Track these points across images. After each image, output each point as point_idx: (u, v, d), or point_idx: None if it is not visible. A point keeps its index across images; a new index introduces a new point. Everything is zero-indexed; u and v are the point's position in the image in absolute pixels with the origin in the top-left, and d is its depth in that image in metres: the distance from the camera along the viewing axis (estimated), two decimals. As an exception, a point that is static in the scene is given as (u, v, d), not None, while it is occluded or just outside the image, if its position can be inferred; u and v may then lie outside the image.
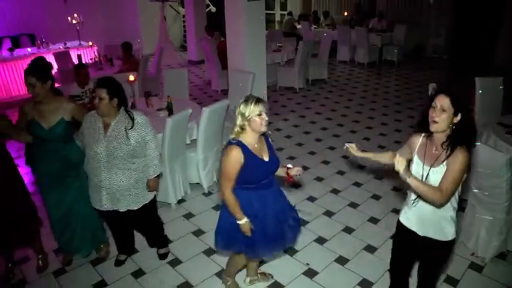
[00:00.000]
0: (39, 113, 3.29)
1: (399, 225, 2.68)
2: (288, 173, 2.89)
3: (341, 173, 5.32)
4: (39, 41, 10.28)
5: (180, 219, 4.46)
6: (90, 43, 10.39)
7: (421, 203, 2.48)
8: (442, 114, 2.29)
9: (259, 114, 2.62)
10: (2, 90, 9.27)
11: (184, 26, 14.00)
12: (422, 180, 2.36)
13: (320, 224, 4.30)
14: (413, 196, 2.52)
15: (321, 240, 3.99)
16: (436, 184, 2.32)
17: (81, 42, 10.46)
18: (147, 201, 3.42)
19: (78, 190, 3.48)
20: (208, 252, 3.91)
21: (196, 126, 4.75)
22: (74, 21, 10.19)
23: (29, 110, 3.32)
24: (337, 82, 9.80)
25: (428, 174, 2.39)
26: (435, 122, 2.31)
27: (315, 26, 12.94)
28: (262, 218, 2.79)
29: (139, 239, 3.97)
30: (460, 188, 2.39)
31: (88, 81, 5.32)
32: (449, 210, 2.44)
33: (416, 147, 2.51)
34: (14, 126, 3.39)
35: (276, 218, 2.84)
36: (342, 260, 3.74)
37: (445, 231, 2.48)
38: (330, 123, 7.14)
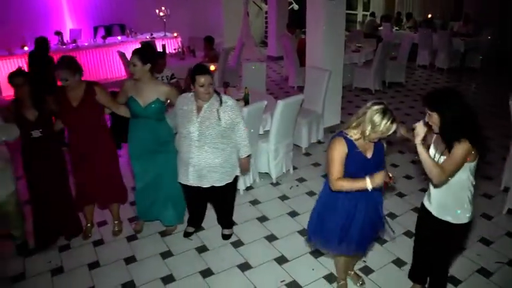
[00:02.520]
0: (138, 91, 3.65)
1: (421, 206, 2.97)
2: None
3: (408, 177, 5.28)
4: (128, 31, 11.13)
5: (246, 204, 4.70)
6: (175, 34, 10.96)
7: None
8: (431, 118, 2.58)
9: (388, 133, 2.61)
10: (93, 72, 10.13)
11: (266, 22, 14.26)
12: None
13: None
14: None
15: (381, 241, 4.03)
16: None
17: (166, 33, 11.06)
18: (231, 180, 3.69)
19: (165, 164, 3.82)
20: (270, 238, 4.11)
21: (270, 118, 4.94)
22: (162, 14, 10.81)
23: (129, 87, 3.71)
24: (414, 86, 9.58)
25: (438, 160, 2.64)
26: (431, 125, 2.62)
27: (397, 28, 12.67)
28: (359, 215, 2.83)
29: (206, 219, 4.27)
30: (472, 174, 2.66)
31: (163, 69, 5.66)
32: (465, 194, 2.66)
33: (433, 137, 2.78)
34: (114, 101, 3.81)
35: (370, 215, 2.89)
36: (399, 262, 3.76)
37: (460, 215, 2.68)
38: (403, 127, 7.00)
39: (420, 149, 2.54)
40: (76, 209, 4.13)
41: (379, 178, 2.60)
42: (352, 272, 3.52)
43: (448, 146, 2.57)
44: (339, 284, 3.41)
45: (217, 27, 12.35)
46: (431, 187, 2.82)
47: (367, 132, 2.61)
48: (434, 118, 2.57)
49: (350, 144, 2.68)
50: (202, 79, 3.29)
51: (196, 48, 9.19)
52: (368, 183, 2.61)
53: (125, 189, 4.22)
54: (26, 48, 9.65)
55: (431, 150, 2.74)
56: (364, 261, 3.74)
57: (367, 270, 3.66)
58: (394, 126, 2.59)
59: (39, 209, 3.91)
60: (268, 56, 12.54)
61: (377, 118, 2.55)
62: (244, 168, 3.78)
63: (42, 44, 7.05)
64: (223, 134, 3.45)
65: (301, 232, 4.17)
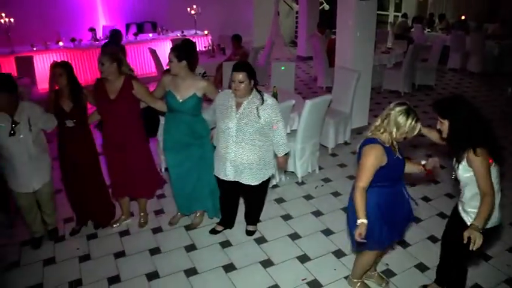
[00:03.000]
0: (176, 86, 3.73)
1: (454, 209, 3.00)
2: (425, 168, 2.98)
3: (435, 182, 5.22)
4: (159, 28, 11.29)
5: (271, 202, 4.73)
6: (206, 32, 11.08)
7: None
8: (442, 125, 2.67)
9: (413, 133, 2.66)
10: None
11: (296, 22, 14.27)
12: (454, 170, 2.76)
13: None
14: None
15: (404, 244, 3.99)
16: (463, 172, 2.67)
17: (197, 31, 11.18)
18: (265, 178, 3.73)
19: (200, 158, 3.90)
20: (293, 236, 4.13)
21: (298, 118, 4.95)
22: (193, 12, 10.95)
23: (167, 81, 3.79)
24: (444, 90, 9.40)
25: (458, 166, 2.70)
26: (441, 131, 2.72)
27: (429, 30, 12.47)
28: (390, 215, 2.87)
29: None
30: (496, 177, 2.67)
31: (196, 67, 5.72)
32: None
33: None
34: (151, 95, 3.91)
35: (401, 213, 2.95)
36: (422, 267, 3.71)
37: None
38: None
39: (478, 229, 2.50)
40: (112, 198, 4.32)
41: (363, 227, 2.66)
42: (376, 274, 3.51)
43: (456, 155, 2.66)
44: (357, 286, 3.41)
45: (247, 26, 12.43)
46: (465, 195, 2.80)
47: (394, 134, 2.66)
48: (445, 126, 2.63)
49: (389, 152, 2.71)
50: (233, 75, 3.38)
51: (226, 46, 9.29)
52: (362, 221, 2.67)
53: (157, 183, 4.33)
54: (61, 44, 9.94)
55: (453, 160, 2.78)
56: (387, 264, 3.72)
57: (390, 274, 3.64)
58: (418, 126, 2.64)
59: (72, 197, 4.10)
60: (298, 56, 12.52)
61: (401, 119, 2.61)
62: (282, 167, 3.82)
63: (115, 35, 7.64)
64: (261, 132, 3.49)
65: (325, 232, 4.19)
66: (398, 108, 2.63)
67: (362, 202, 2.69)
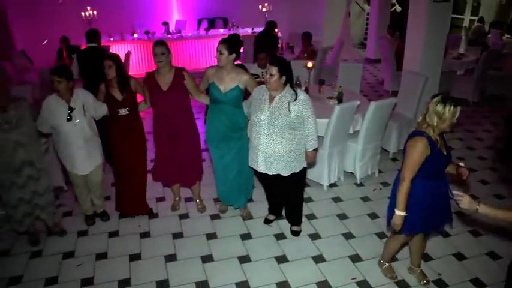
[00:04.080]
0: (219, 78, 3.88)
1: None
2: (458, 171, 3.04)
3: (499, 197, 4.93)
4: (230, 24, 11.58)
5: (328, 200, 4.77)
6: (276, 30, 11.18)
7: None
8: None
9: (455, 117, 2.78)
10: (194, 61, 10.76)
11: (366, 24, 14.07)
12: None
13: (463, 240, 4.14)
14: None
15: (460, 256, 3.89)
16: None
17: (268, 29, 11.34)
18: (296, 171, 3.78)
19: (239, 150, 4.04)
20: (347, 235, 4.15)
21: (361, 119, 4.93)
22: (264, 9, 11.11)
23: (211, 73, 3.95)
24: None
25: None
26: None
27: (508, 36, 11.76)
28: (428, 206, 3.02)
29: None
30: None
31: (266, 64, 5.85)
32: None
33: None
34: (198, 88, 4.09)
35: (440, 207, 3.08)
36: (477, 282, 3.58)
37: None
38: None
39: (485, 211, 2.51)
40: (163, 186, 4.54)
41: (399, 220, 2.91)
42: (419, 270, 3.56)
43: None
44: (383, 267, 3.62)
45: (317, 25, 12.37)
46: None
47: (435, 123, 2.80)
48: None
49: (432, 143, 2.83)
50: (268, 68, 3.54)
51: (294, 45, 9.36)
52: (399, 212, 2.90)
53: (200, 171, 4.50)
54: (135, 35, 10.50)
55: None
56: (440, 274, 3.65)
57: (441, 284, 3.55)
58: (458, 109, 2.76)
59: (120, 181, 4.33)
60: (366, 58, 12.34)
61: (439, 107, 2.76)
62: (310, 162, 3.87)
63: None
64: (290, 125, 3.56)
65: (379, 234, 4.17)
66: (434, 99, 2.79)
67: (405, 195, 2.87)
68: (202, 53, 10.92)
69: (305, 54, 8.02)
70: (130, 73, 4.10)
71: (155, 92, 3.97)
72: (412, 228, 3.12)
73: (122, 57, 4.60)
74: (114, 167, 4.34)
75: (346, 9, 12.22)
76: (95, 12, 10.08)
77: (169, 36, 10.61)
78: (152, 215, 4.53)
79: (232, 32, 11.15)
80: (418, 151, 2.80)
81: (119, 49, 10.03)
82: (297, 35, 10.08)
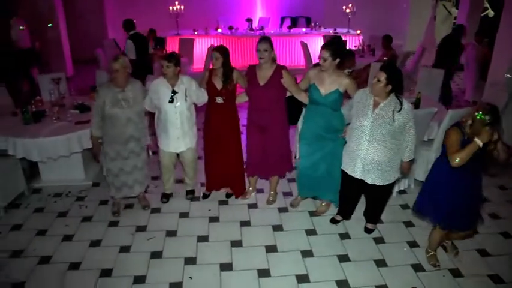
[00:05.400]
0: (320, 80, 3.96)
1: None
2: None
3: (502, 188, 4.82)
4: (313, 24, 11.61)
5: (396, 207, 4.73)
6: (358, 31, 11.08)
7: None
8: None
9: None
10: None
11: (452, 29, 13.44)
12: None
13: (492, 239, 4.14)
14: None
15: (483, 253, 3.89)
16: None
17: (349, 30, 11.24)
18: (391, 181, 3.80)
19: (332, 151, 4.07)
20: (412, 244, 4.08)
21: (437, 127, 4.82)
22: (348, 10, 11.03)
23: (312, 75, 4.04)
24: None
25: None
26: None
27: None
28: (458, 197, 3.33)
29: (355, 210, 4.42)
30: None
31: (354, 65, 5.88)
32: None
33: None
34: (297, 86, 4.20)
35: (469, 201, 3.37)
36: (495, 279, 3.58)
37: None
38: None
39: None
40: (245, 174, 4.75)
41: (485, 135, 3.06)
42: (450, 242, 3.87)
43: None
44: (428, 255, 3.82)
45: (400, 29, 12.10)
46: None
47: (468, 124, 3.17)
48: None
49: (464, 138, 3.19)
50: (376, 73, 3.53)
51: (376, 47, 9.25)
52: (478, 141, 3.07)
53: (288, 167, 4.63)
54: (219, 30, 10.89)
55: None
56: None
57: (457, 273, 3.67)
58: (488, 128, 3.04)
59: (211, 165, 4.60)
60: (449, 65, 11.78)
61: (477, 113, 3.07)
62: (404, 172, 3.84)
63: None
64: (392, 134, 3.55)
65: (445, 247, 4.02)
66: (483, 105, 3.15)
67: (464, 150, 3.12)
68: (283, 50, 11.08)
69: (385, 58, 7.90)
70: (211, 67, 4.31)
71: (252, 84, 4.16)
72: (438, 218, 3.50)
73: (205, 50, 4.86)
74: (206, 151, 4.60)
75: (432, 13, 11.73)
76: (182, 7, 10.59)
77: (252, 32, 10.88)
78: (222, 201, 4.75)
79: (314, 31, 11.22)
80: (453, 138, 3.21)
81: (202, 43, 10.49)
82: (378, 38, 9.89)
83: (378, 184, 3.75)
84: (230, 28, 11.00)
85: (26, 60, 8.45)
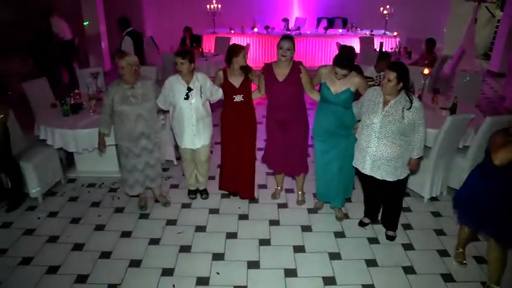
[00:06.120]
0: (331, 80, 3.98)
1: None
2: None
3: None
4: (349, 25, 11.54)
5: (427, 213, 4.65)
6: (395, 33, 10.93)
7: None
8: None
9: None
10: (310, 58, 11.00)
11: (494, 32, 12.95)
12: None
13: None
14: None
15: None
16: None
17: (386, 32, 11.13)
18: (401, 178, 3.80)
19: (344, 149, 4.10)
20: (442, 252, 4.01)
21: (473, 134, 4.72)
22: (385, 12, 10.89)
23: (324, 74, 4.06)
24: None
25: None
26: None
27: None
28: (488, 199, 3.27)
29: (384, 215, 4.38)
30: None
31: (383, 69, 5.79)
32: None
33: None
34: (311, 83, 4.23)
35: (500, 207, 3.23)
36: None
37: None
38: None
39: None
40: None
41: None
42: (460, 250, 3.87)
43: None
44: (456, 252, 3.86)
45: (438, 31, 11.80)
46: None
47: None
48: None
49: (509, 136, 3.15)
50: (386, 72, 3.54)
51: (412, 49, 9.09)
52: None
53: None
54: (255, 29, 10.97)
55: None
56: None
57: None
58: None
59: (226, 163, 4.65)
60: (488, 71, 11.49)
61: None
62: (413, 169, 3.83)
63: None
64: (402, 132, 3.58)
65: (477, 258, 3.93)
66: None
67: (507, 147, 3.04)
68: (319, 51, 11.07)
69: (426, 62, 7.76)
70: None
71: (271, 82, 4.19)
72: (463, 218, 3.57)
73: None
74: (223, 150, 4.65)
75: (473, 15, 11.30)
76: (219, 6, 10.71)
77: (288, 32, 10.89)
78: (253, 200, 4.80)
79: (350, 33, 11.13)
80: (498, 141, 3.14)
81: (238, 41, 10.59)
82: (415, 40, 9.78)
83: (388, 180, 3.77)
84: (266, 28, 11.05)
85: (68, 52, 8.79)
